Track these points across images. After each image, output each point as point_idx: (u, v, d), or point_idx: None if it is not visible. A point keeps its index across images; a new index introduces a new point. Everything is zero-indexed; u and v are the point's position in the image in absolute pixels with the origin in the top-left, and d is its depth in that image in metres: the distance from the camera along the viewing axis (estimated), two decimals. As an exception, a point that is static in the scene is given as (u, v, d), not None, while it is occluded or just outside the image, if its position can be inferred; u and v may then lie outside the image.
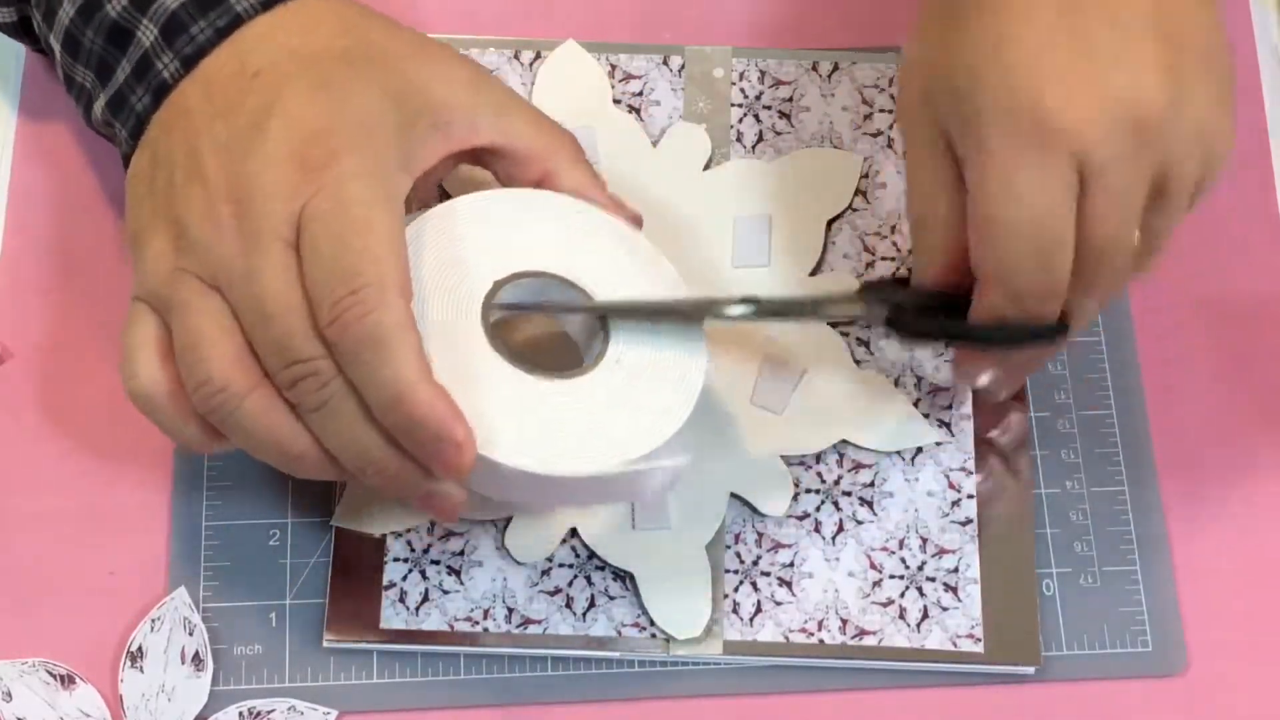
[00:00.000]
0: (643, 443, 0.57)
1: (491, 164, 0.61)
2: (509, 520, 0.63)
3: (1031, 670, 0.62)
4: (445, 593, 0.62)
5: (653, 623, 0.62)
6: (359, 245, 0.54)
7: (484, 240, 0.58)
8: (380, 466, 0.55)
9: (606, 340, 0.59)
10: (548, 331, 0.61)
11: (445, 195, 0.62)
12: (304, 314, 0.54)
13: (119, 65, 0.59)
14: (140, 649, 0.61)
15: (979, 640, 0.62)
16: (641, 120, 0.70)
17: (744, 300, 0.60)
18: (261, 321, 0.54)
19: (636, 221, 0.62)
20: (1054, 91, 0.53)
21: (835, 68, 0.71)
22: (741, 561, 0.63)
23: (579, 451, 0.56)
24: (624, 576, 0.62)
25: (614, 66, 0.71)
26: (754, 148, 0.70)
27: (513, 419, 0.56)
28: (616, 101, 0.70)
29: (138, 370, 0.56)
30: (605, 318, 0.59)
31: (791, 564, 0.63)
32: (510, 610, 0.62)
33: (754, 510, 0.63)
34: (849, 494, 0.64)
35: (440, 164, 0.59)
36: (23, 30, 0.66)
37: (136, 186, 0.58)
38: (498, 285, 0.58)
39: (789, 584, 0.62)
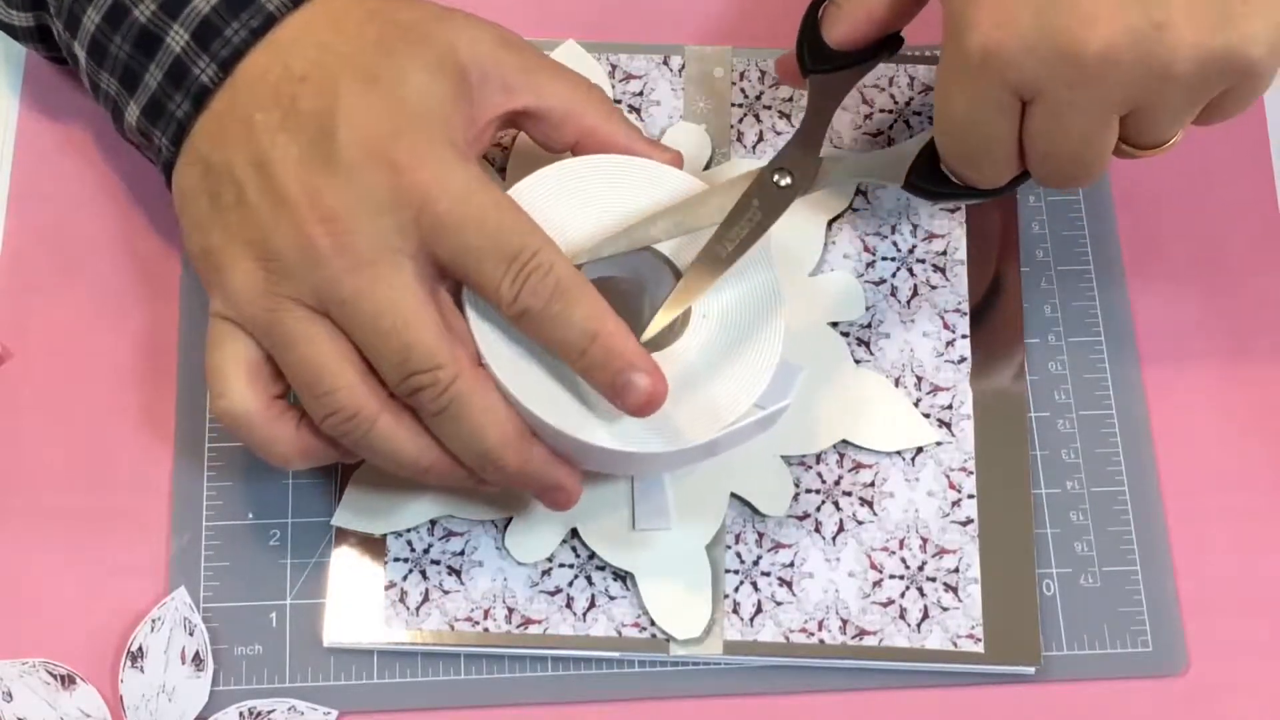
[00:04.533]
0: (742, 400, 0.59)
1: (528, 127, 0.62)
2: (509, 520, 0.63)
3: (1031, 670, 0.62)
4: (445, 593, 0.62)
5: (653, 623, 0.62)
6: (504, 222, 0.56)
7: (549, 222, 0.59)
8: (500, 464, 0.56)
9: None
10: (625, 298, 0.63)
11: None
12: (417, 323, 0.55)
13: (146, 72, 0.59)
14: (140, 649, 0.61)
15: (979, 640, 0.62)
16: (642, 120, 0.70)
17: (780, 169, 0.62)
18: (377, 337, 0.56)
19: (678, 161, 0.63)
20: (992, 23, 0.55)
21: (835, 68, 0.71)
22: (742, 561, 0.63)
23: (688, 423, 0.58)
24: (624, 576, 0.62)
25: (614, 66, 0.71)
26: (754, 148, 0.70)
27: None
28: (617, 101, 0.70)
29: (227, 390, 0.57)
30: (683, 276, 0.60)
31: (792, 564, 0.63)
32: (510, 610, 0.62)
33: (754, 510, 0.63)
34: (849, 494, 0.64)
35: (482, 132, 0.59)
36: (39, 37, 0.66)
37: (194, 201, 0.58)
38: (579, 267, 0.59)
39: (789, 584, 0.62)
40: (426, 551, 0.63)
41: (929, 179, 0.62)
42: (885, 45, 0.64)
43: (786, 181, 0.62)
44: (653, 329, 0.58)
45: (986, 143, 0.59)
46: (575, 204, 0.60)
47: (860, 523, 0.63)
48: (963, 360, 0.66)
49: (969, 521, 0.63)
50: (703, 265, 0.59)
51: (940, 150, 0.61)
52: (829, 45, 0.63)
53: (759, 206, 0.61)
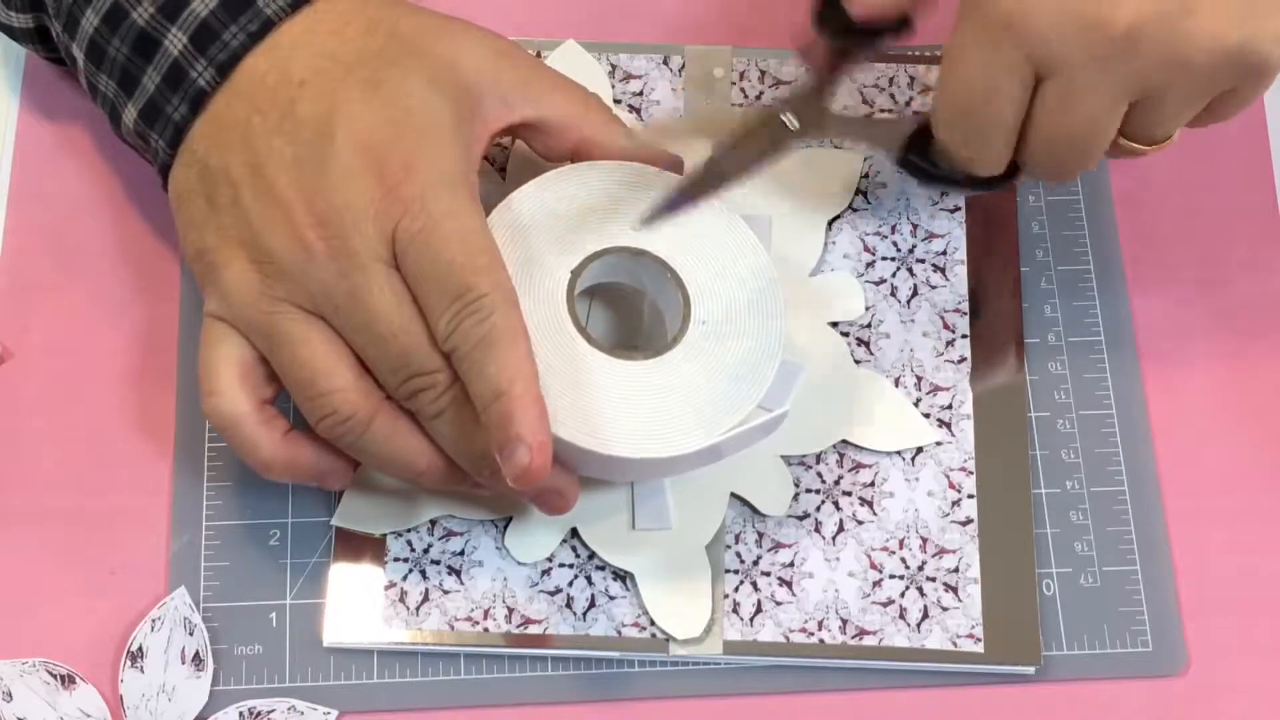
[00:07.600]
0: (744, 402, 0.59)
1: (527, 137, 0.62)
2: (509, 520, 0.63)
3: (1031, 670, 0.62)
4: (445, 593, 0.62)
5: (653, 623, 0.62)
6: (462, 259, 0.55)
7: (548, 229, 0.59)
8: (497, 467, 0.56)
9: (687, 304, 0.60)
10: (626, 302, 0.63)
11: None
12: (415, 329, 0.55)
13: (144, 75, 0.59)
14: (140, 649, 0.61)
15: (979, 640, 0.62)
16: (642, 120, 0.70)
17: (789, 111, 0.62)
18: (375, 341, 0.56)
19: (677, 166, 0.63)
20: None
21: (835, 68, 0.71)
22: (741, 561, 0.63)
23: (688, 428, 0.58)
24: (624, 576, 0.62)
25: (614, 66, 0.71)
26: (754, 148, 0.70)
27: (621, 409, 0.58)
28: (617, 101, 0.70)
29: (218, 389, 0.57)
30: (681, 281, 0.60)
31: (791, 564, 0.63)
32: (510, 610, 0.62)
33: (754, 510, 0.63)
34: (849, 494, 0.64)
35: (481, 146, 0.59)
36: (38, 38, 0.66)
37: (190, 203, 0.58)
38: (574, 274, 0.59)
39: (789, 584, 0.62)
40: (426, 551, 0.63)
41: (922, 155, 0.62)
42: (900, 25, 0.63)
43: (795, 125, 0.62)
44: (644, 216, 0.59)
45: (989, 114, 0.58)
46: (575, 208, 0.60)
47: (860, 523, 0.63)
48: (962, 360, 0.66)
49: (969, 521, 0.63)
50: (704, 178, 0.60)
51: (937, 122, 0.61)
52: (848, 16, 0.62)
53: (768, 137, 0.61)
